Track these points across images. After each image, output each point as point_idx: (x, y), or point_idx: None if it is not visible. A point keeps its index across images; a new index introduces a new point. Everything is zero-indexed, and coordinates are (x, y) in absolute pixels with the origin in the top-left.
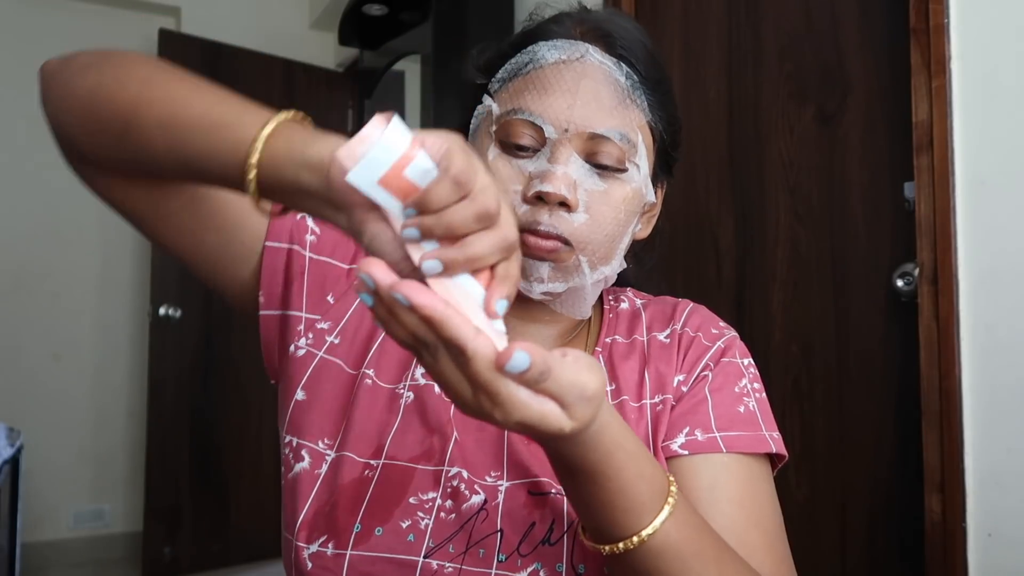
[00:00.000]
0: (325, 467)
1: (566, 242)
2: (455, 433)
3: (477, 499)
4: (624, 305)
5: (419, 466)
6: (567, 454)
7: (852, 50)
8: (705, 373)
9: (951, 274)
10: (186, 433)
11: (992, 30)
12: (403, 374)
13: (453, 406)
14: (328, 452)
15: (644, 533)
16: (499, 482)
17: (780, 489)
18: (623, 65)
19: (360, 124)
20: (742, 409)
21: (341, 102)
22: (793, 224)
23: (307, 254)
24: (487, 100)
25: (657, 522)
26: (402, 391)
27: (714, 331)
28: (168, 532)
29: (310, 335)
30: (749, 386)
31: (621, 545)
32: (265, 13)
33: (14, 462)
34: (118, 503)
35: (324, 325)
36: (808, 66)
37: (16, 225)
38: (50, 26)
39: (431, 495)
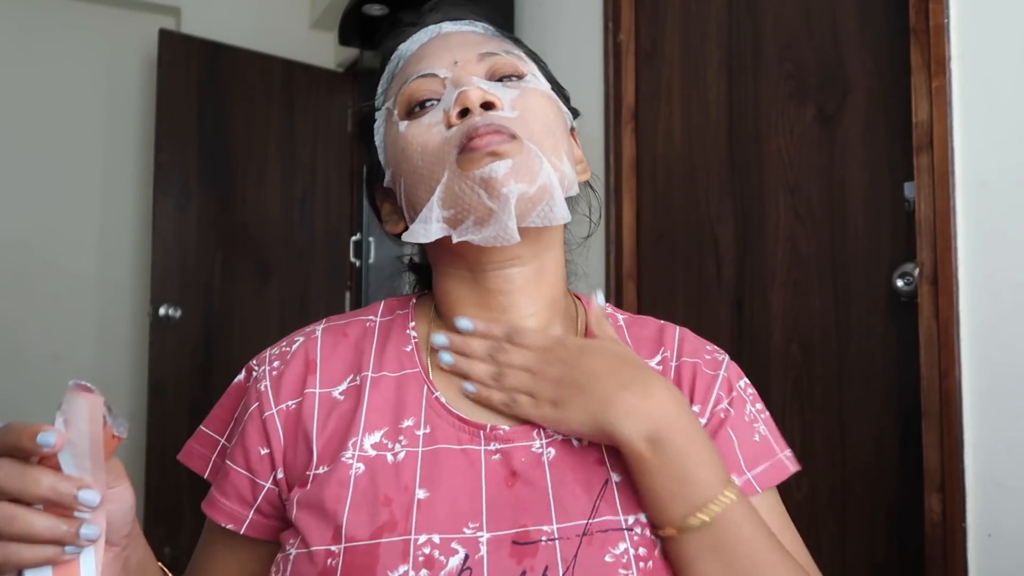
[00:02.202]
0: (290, 567)
1: (512, 134)
2: (420, 492)
3: (456, 560)
4: None
5: (383, 540)
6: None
7: (852, 50)
8: (721, 407)
9: (951, 274)
10: (186, 433)
11: (992, 30)
12: (347, 443)
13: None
14: (290, 551)
15: (705, 513)
16: (479, 533)
17: (780, 489)
18: (478, 23)
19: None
20: (757, 438)
21: (341, 102)
22: (793, 224)
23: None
24: (380, 114)
25: (716, 508)
26: (350, 461)
27: (708, 356)
28: (168, 532)
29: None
30: (753, 409)
31: (679, 525)
32: (265, 13)
33: None
34: None
35: (280, 475)
36: (808, 66)
37: (16, 225)
38: (50, 26)
39: (402, 569)
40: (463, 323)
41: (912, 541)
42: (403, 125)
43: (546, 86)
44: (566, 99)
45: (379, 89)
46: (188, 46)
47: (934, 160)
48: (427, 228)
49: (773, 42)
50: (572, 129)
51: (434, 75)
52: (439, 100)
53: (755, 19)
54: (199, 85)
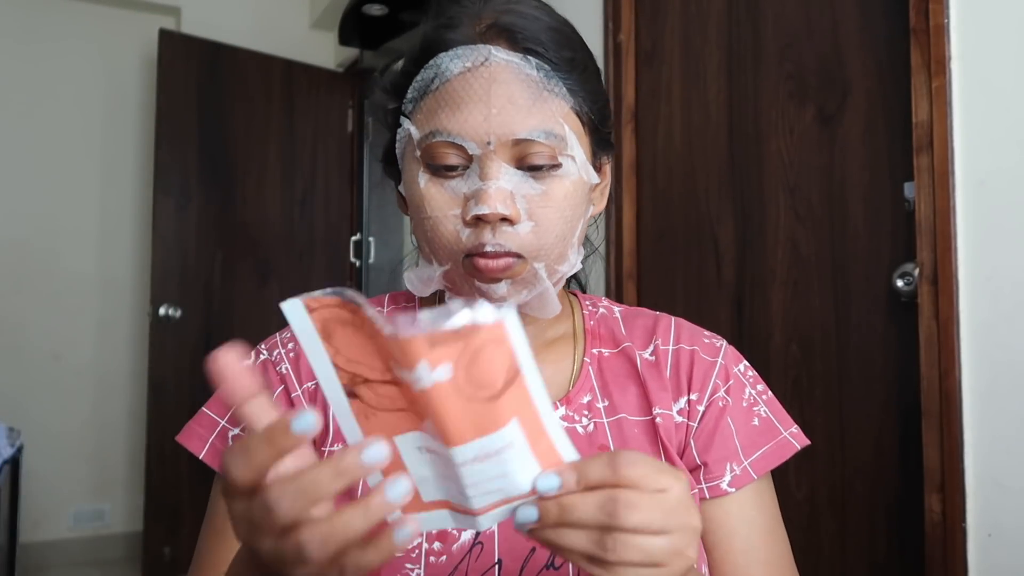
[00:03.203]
0: None
1: (517, 255)
2: None
3: (468, 533)
4: (602, 311)
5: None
6: None
7: (852, 50)
8: (719, 395)
9: (951, 274)
10: None
11: (992, 30)
12: None
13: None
14: None
15: None
16: None
17: (780, 489)
18: (530, 58)
19: (360, 124)
20: (756, 422)
21: (341, 102)
22: (793, 224)
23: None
24: (405, 123)
25: None
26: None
27: (706, 341)
28: (168, 532)
29: None
30: (753, 392)
31: None
32: (265, 13)
33: (14, 462)
34: (118, 503)
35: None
36: (808, 66)
37: (16, 225)
38: (50, 26)
39: (415, 540)
40: (546, 482)
41: (912, 541)
42: (423, 179)
43: (578, 166)
44: (608, 133)
45: (409, 90)
46: (188, 46)
47: (934, 160)
48: (425, 287)
49: (773, 42)
50: (606, 162)
51: (462, 147)
52: (464, 168)
53: (755, 19)
54: (199, 85)
